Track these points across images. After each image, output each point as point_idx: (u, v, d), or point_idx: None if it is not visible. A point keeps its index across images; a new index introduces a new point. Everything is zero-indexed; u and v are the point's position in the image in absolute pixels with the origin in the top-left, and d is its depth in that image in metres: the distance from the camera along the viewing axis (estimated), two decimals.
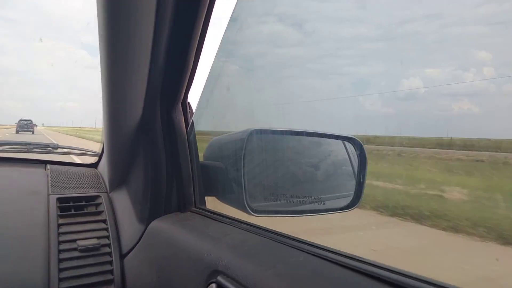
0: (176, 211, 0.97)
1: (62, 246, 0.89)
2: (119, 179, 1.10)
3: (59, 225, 0.95)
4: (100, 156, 1.32)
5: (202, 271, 0.66)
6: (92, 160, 1.39)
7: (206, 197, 1.01)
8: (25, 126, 31.96)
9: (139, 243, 0.92)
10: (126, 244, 0.96)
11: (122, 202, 1.07)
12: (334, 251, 0.58)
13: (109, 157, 1.08)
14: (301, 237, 0.67)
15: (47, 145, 1.39)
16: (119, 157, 1.03)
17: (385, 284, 0.46)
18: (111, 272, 0.91)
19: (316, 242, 0.63)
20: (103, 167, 1.28)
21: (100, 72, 0.97)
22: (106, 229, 0.99)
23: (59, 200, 1.03)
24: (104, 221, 1.02)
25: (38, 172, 1.19)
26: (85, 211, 1.05)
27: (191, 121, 0.98)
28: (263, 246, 0.67)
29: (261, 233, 0.72)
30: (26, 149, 1.36)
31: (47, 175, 1.15)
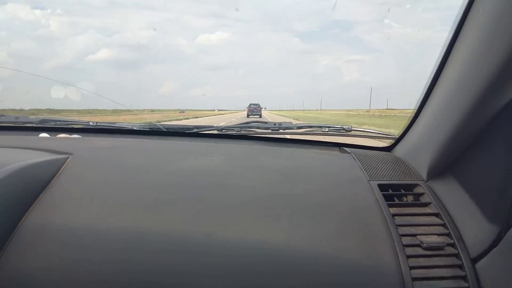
0: None
1: (405, 241, 0.83)
2: (442, 167, 0.95)
3: (393, 215, 0.89)
4: (398, 140, 1.22)
5: None
6: (384, 143, 1.32)
7: None
8: (255, 110, 37.43)
9: (496, 249, 0.75)
10: (473, 246, 0.80)
11: (452, 194, 0.91)
12: None
13: (430, 141, 0.95)
14: None
15: (342, 128, 1.42)
16: (452, 141, 0.87)
17: None
18: (463, 278, 0.77)
19: None
20: (403, 151, 1.17)
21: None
22: (443, 225, 0.86)
23: (380, 187, 0.98)
24: (437, 214, 0.89)
25: (342, 156, 1.21)
26: (407, 201, 0.97)
27: None
28: None
29: None
30: (322, 132, 1.43)
31: (354, 159, 1.14)
